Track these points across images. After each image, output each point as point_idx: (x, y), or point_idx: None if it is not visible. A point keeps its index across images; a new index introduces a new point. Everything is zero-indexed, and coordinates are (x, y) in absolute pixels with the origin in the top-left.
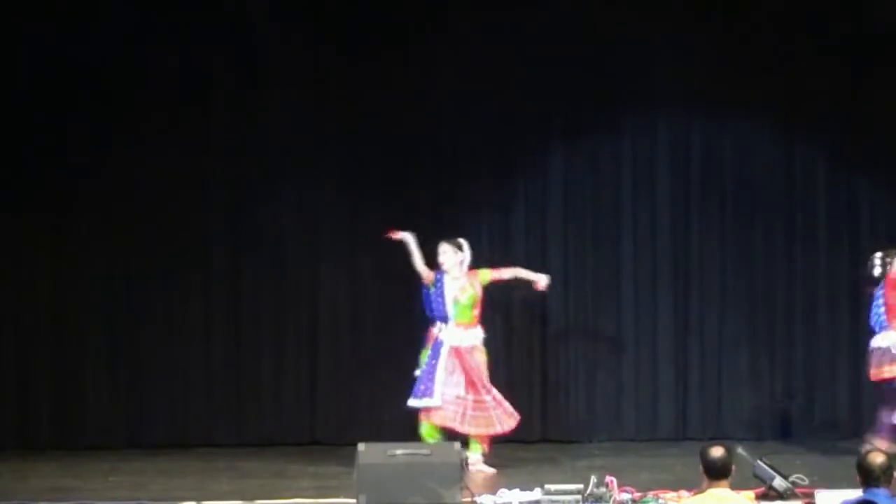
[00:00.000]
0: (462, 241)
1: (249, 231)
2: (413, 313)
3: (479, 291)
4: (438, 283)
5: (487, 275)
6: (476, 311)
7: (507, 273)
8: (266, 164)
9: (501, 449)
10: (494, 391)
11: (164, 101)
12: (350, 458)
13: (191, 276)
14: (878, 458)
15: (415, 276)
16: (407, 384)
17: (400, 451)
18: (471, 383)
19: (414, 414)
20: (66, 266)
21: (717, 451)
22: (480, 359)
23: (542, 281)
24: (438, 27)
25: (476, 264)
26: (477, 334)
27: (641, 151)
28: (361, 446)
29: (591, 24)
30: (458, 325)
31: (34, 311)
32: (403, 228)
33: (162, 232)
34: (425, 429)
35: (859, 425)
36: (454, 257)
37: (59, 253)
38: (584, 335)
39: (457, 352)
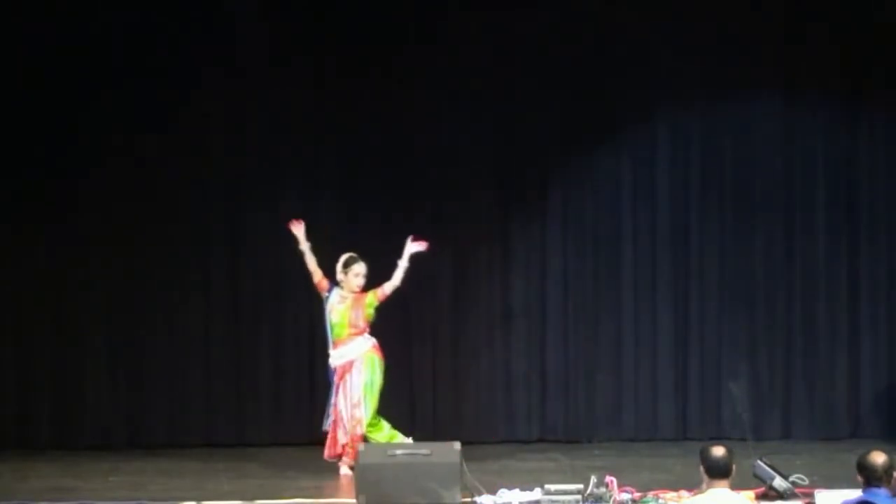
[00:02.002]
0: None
1: (249, 231)
2: (410, 312)
3: (358, 313)
4: (326, 299)
5: (373, 300)
6: (353, 329)
7: (388, 287)
8: (266, 164)
9: (501, 449)
10: (350, 410)
11: (164, 102)
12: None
13: (191, 276)
14: (879, 458)
15: (412, 273)
16: (407, 384)
17: (400, 451)
18: (335, 405)
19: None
20: (66, 266)
21: (719, 451)
22: (365, 375)
23: (412, 248)
24: (437, 26)
25: (475, 263)
26: (359, 346)
27: (641, 153)
28: (361, 446)
29: (591, 17)
30: (335, 343)
31: (34, 311)
32: (402, 230)
33: (162, 232)
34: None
35: (858, 425)
36: (363, 281)
37: (59, 253)
38: (584, 335)
39: (339, 371)
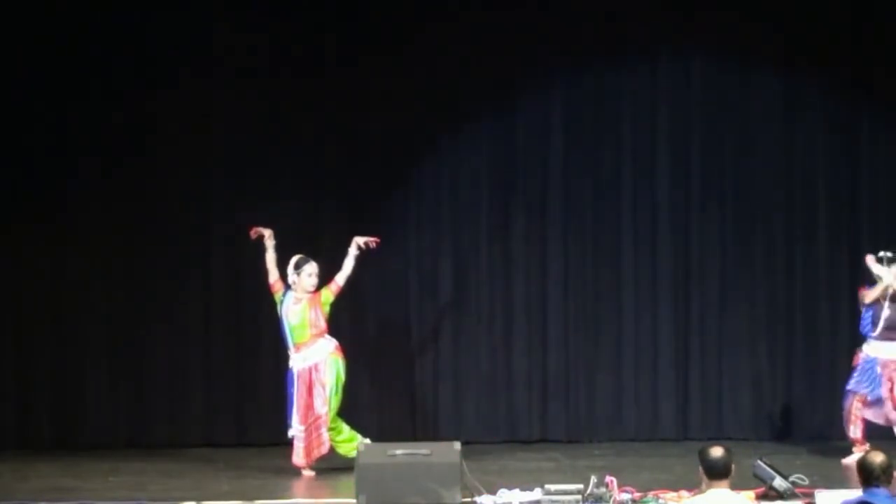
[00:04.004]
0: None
1: (249, 229)
2: (410, 313)
3: (317, 312)
4: (281, 302)
5: (329, 296)
6: (314, 330)
7: (340, 278)
8: (266, 164)
9: (502, 449)
10: (324, 415)
11: (164, 101)
12: (349, 459)
13: (191, 276)
14: (877, 458)
15: (412, 273)
16: (407, 384)
17: (400, 451)
18: (309, 407)
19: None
20: (66, 266)
21: (717, 451)
22: (329, 377)
23: (361, 242)
24: (436, 23)
25: (475, 263)
26: (321, 348)
27: (641, 153)
28: (361, 446)
29: (591, 17)
30: (297, 347)
31: (34, 312)
32: (403, 230)
33: (162, 232)
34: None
35: None
36: (316, 280)
37: (59, 253)
38: (584, 335)
39: (303, 375)
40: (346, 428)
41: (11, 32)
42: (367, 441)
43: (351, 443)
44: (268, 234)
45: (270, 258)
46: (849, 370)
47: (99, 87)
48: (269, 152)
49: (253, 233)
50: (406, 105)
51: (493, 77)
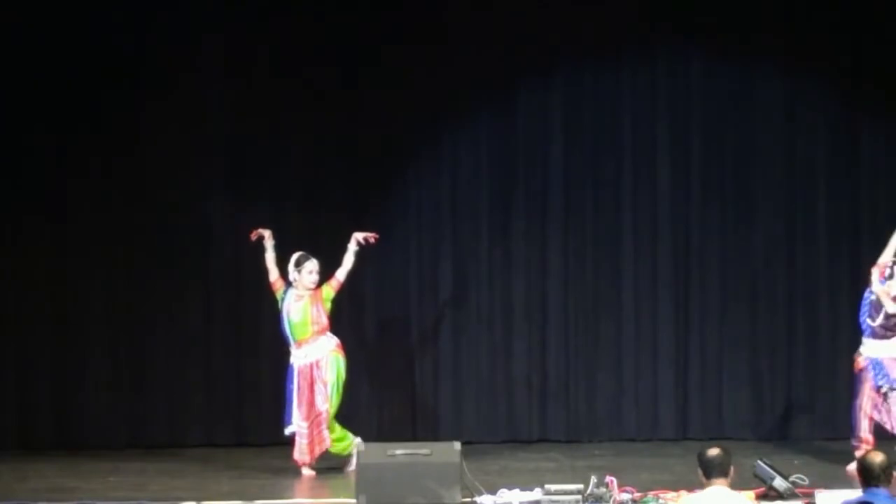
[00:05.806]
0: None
1: (250, 231)
2: (411, 312)
3: (319, 309)
4: (282, 300)
5: (330, 291)
6: (315, 327)
7: (341, 274)
8: (266, 164)
9: (502, 449)
10: (325, 412)
11: (165, 102)
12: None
13: (191, 276)
14: (877, 458)
15: (412, 273)
16: (408, 384)
17: (400, 451)
18: (311, 404)
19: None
20: (66, 266)
21: (713, 451)
22: (330, 375)
23: (360, 237)
24: (436, 25)
25: (475, 263)
26: (323, 345)
27: (641, 152)
28: (361, 446)
29: (593, 17)
30: (298, 343)
31: (34, 312)
32: (404, 231)
33: (162, 232)
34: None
35: None
36: (317, 277)
37: (59, 253)
38: (584, 335)
39: (304, 371)
40: (338, 427)
41: (10, 33)
42: (359, 440)
43: (342, 442)
44: (267, 234)
45: (270, 258)
46: (849, 370)
47: (99, 87)
48: (269, 152)
49: (253, 234)
50: (406, 105)
51: (493, 77)
